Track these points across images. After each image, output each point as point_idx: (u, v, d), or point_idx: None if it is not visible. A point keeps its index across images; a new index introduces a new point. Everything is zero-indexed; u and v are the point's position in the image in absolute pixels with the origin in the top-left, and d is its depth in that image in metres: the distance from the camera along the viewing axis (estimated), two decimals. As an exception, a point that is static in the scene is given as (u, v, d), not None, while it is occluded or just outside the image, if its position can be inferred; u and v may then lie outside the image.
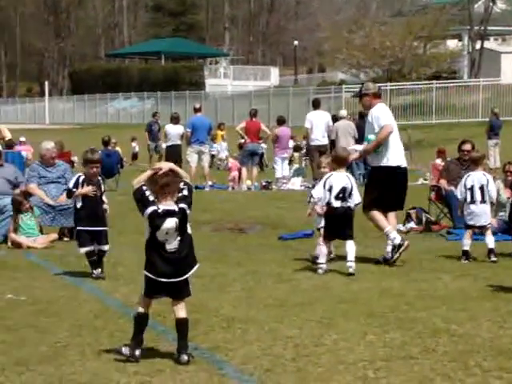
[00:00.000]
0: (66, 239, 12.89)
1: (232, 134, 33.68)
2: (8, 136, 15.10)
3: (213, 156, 32.07)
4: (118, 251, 11.91)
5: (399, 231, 13.80)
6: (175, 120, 24.37)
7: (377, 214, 11.06)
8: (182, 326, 6.56)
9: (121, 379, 6.01)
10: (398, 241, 10.84)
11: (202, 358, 6.57)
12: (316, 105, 23.49)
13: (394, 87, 47.06)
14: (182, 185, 6.47)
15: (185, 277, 6.52)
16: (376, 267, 10.64)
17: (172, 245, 6.44)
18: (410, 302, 8.53)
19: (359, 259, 10.58)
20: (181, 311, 6.56)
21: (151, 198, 6.38)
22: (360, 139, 23.25)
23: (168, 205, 6.39)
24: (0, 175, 13.19)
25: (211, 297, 8.80)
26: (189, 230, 6.57)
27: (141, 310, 6.57)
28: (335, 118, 23.97)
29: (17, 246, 12.18)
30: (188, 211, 6.46)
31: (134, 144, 38.51)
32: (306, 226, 13.85)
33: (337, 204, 10.21)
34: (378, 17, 58.04)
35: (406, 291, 9.13)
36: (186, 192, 6.48)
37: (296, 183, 23.51)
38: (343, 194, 10.20)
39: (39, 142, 14.71)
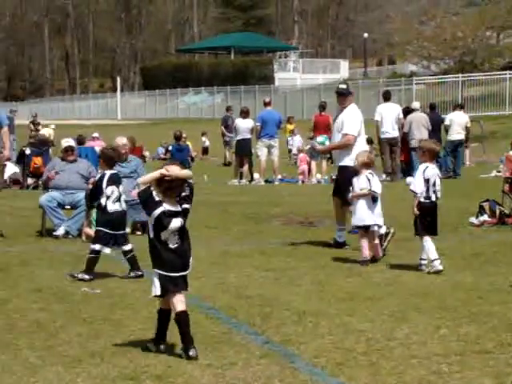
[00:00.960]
0: (138, 233, 13.02)
1: (301, 128, 33.65)
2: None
3: (290, 150, 32.10)
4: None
5: (471, 224, 13.66)
6: (244, 114, 24.41)
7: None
8: (182, 319, 6.53)
9: (194, 371, 6.06)
10: (383, 230, 10.93)
11: (273, 351, 6.59)
12: (386, 97, 23.34)
13: (465, 78, 46.40)
14: (186, 184, 6.60)
15: (190, 270, 6.60)
16: (448, 261, 10.51)
17: (174, 241, 6.52)
18: (483, 296, 8.42)
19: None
20: (183, 303, 6.56)
21: (157, 199, 6.48)
22: (433, 131, 23.08)
23: (173, 205, 6.50)
24: (74, 170, 13.38)
25: (282, 290, 8.81)
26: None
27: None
28: (407, 111, 23.73)
29: (91, 239, 12.34)
30: (190, 210, 6.62)
31: (204, 138, 38.71)
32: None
33: (433, 198, 10.02)
34: (450, 7, 57.20)
35: (480, 285, 9.01)
36: (187, 192, 6.62)
37: (367, 176, 23.33)
38: (435, 188, 10.05)
39: (111, 137, 14.90)
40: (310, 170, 23.87)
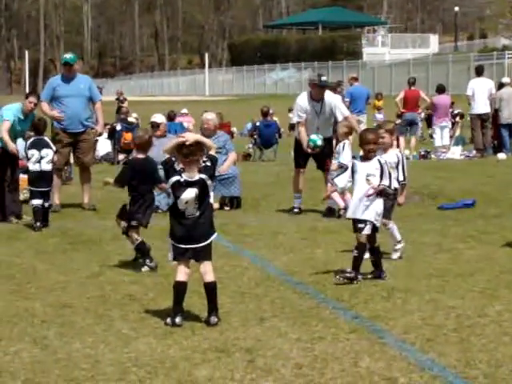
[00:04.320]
0: (226, 208, 13.13)
1: (390, 104, 33.30)
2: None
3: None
4: (278, 220, 12.07)
5: None
6: (334, 90, 24.23)
7: None
8: (209, 289, 6.69)
9: (283, 346, 6.11)
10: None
11: (362, 326, 6.59)
12: (479, 72, 22.88)
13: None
14: (206, 156, 6.64)
15: (202, 244, 6.62)
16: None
17: (191, 212, 6.58)
18: None
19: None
20: (208, 275, 6.68)
21: (177, 168, 6.59)
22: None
23: (190, 175, 6.56)
24: (164, 146, 13.53)
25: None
26: (211, 200, 6.77)
27: (178, 277, 6.69)
28: (501, 86, 23.23)
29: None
30: (209, 182, 6.61)
31: (291, 115, 38.56)
32: (466, 195, 13.60)
33: None
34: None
35: None
36: (208, 163, 6.64)
37: (456, 152, 22.99)
38: None
39: (200, 113, 15.02)
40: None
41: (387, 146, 9.15)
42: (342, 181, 9.09)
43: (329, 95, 12.75)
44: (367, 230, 8.08)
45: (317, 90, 12.56)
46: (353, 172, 8.22)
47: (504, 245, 9.84)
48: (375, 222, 8.10)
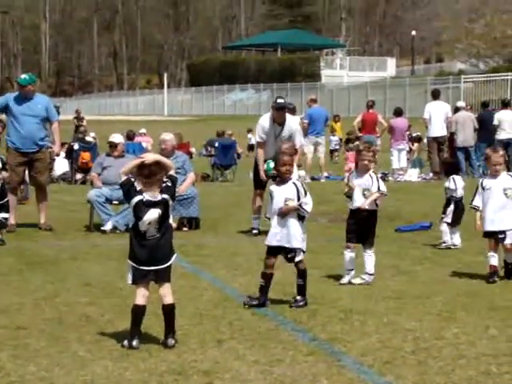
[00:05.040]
0: (185, 229, 13.09)
1: (347, 126, 33.52)
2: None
3: (332, 151, 31.87)
4: (236, 241, 12.04)
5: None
6: (291, 111, 24.34)
7: None
8: (168, 311, 6.66)
9: (241, 368, 6.07)
10: None
11: (320, 348, 6.58)
12: (435, 95, 23.15)
13: (515, 77, 45.84)
14: (166, 176, 6.62)
15: (164, 266, 6.59)
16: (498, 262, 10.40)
17: (151, 233, 6.56)
18: (533, 297, 8.32)
19: (479, 253, 10.38)
20: (167, 297, 6.65)
21: (138, 188, 6.57)
22: (481, 129, 22.81)
23: (152, 195, 6.54)
24: (122, 166, 13.43)
25: (329, 288, 8.80)
26: (170, 221, 6.72)
27: (137, 301, 6.63)
28: (456, 110, 23.52)
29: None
30: (170, 202, 6.59)
31: (249, 135, 38.69)
32: (423, 217, 13.70)
33: None
34: (500, 5, 56.62)
35: (529, 286, 8.91)
36: (169, 183, 6.63)
37: (413, 175, 23.20)
38: None
39: (159, 133, 14.98)
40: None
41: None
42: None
43: (291, 120, 12.86)
44: (300, 256, 7.96)
45: (275, 113, 12.61)
46: (271, 198, 8.03)
47: (460, 267, 9.90)
48: (303, 248, 7.98)
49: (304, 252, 8.00)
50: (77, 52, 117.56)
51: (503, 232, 9.09)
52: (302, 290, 7.98)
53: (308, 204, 8.02)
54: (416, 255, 10.84)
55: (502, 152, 9.27)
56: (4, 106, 13.00)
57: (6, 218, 11.68)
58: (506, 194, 9.09)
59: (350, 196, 9.19)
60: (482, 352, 6.44)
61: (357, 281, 9.04)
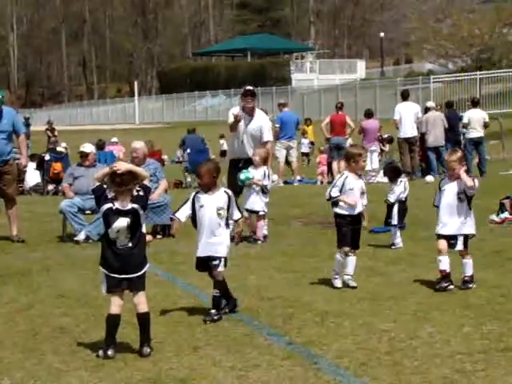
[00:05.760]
0: (158, 237, 13.05)
1: (320, 129, 33.60)
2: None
3: (306, 154, 31.86)
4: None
5: (492, 221, 13.58)
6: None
7: None
8: (143, 320, 6.67)
9: (217, 374, 6.06)
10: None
11: (296, 352, 6.58)
12: (405, 96, 23.28)
13: (483, 76, 46.21)
14: (138, 186, 6.60)
15: (136, 275, 6.58)
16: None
17: (123, 242, 6.54)
18: (506, 294, 8.38)
19: (452, 252, 10.43)
20: (142, 305, 6.66)
21: (109, 196, 6.56)
22: (450, 129, 22.98)
23: (123, 204, 6.53)
24: (93, 175, 13.38)
25: (304, 291, 8.81)
26: (143, 230, 6.70)
27: (112, 310, 6.62)
28: (426, 110, 23.65)
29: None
30: (141, 212, 6.57)
31: (222, 141, 38.71)
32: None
33: None
34: (466, 4, 57.05)
35: (502, 282, 8.97)
36: (141, 193, 6.60)
37: (385, 176, 23.27)
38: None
39: (131, 141, 14.93)
40: (329, 171, 23.84)
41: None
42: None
43: (260, 114, 12.97)
44: (222, 267, 7.78)
45: (244, 100, 12.84)
46: (200, 206, 7.80)
47: (434, 267, 9.93)
48: (227, 256, 7.85)
49: (226, 264, 7.85)
50: (46, 62, 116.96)
51: (455, 237, 8.81)
52: (216, 302, 7.71)
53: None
54: (390, 256, 10.88)
55: (458, 154, 8.88)
56: None
57: None
58: (459, 198, 8.79)
59: (336, 203, 9.13)
60: (457, 350, 6.47)
61: (353, 283, 9.00)
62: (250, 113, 12.76)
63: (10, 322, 7.75)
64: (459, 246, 8.85)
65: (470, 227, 8.88)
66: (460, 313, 7.67)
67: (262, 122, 12.90)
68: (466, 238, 8.88)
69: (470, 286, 8.76)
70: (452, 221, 8.83)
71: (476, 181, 8.79)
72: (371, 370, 6.08)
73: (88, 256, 11.10)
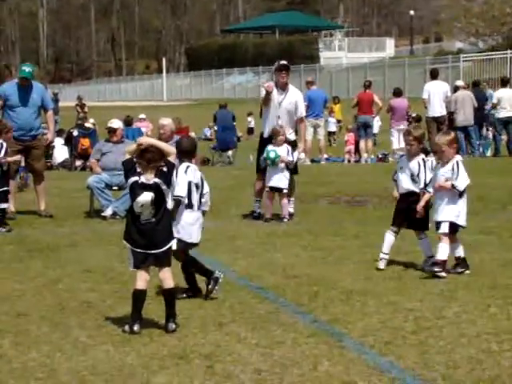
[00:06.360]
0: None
1: (347, 108, 33.47)
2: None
3: (332, 133, 31.66)
4: (237, 224, 12.04)
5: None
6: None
7: None
8: (169, 295, 6.68)
9: (242, 351, 6.08)
10: None
11: (321, 330, 6.59)
12: (434, 75, 23.07)
13: (514, 55, 45.67)
14: (163, 161, 6.58)
15: (162, 250, 6.58)
16: (498, 240, 10.40)
17: (146, 217, 6.55)
18: (534, 275, 8.32)
19: (479, 231, 10.40)
20: (167, 281, 6.66)
21: (138, 170, 6.58)
22: (477, 108, 22.79)
23: (148, 179, 6.54)
24: (121, 151, 13.42)
25: (330, 269, 8.80)
26: (168, 205, 6.70)
27: (138, 285, 6.63)
28: (456, 89, 23.45)
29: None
30: (163, 187, 6.56)
31: (249, 119, 38.71)
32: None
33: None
34: (498, -18, 56.37)
35: (530, 263, 8.91)
36: (165, 169, 6.60)
37: (414, 155, 23.15)
38: None
39: (158, 118, 14.94)
40: (356, 149, 23.76)
41: (414, 152, 8.77)
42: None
43: (294, 90, 12.80)
44: (180, 246, 7.36)
45: (278, 75, 12.64)
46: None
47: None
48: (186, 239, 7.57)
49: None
50: (75, 38, 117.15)
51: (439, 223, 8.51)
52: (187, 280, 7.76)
53: None
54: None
55: (449, 137, 8.51)
56: (5, 100, 13.02)
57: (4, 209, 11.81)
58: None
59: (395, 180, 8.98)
60: (483, 330, 6.45)
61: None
62: (283, 87, 12.61)
63: (38, 296, 7.82)
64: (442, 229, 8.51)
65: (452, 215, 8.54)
66: (487, 293, 7.63)
67: (296, 97, 12.75)
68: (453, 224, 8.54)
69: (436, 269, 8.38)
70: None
71: (458, 182, 8.43)
72: (396, 348, 6.07)
73: (115, 232, 11.14)
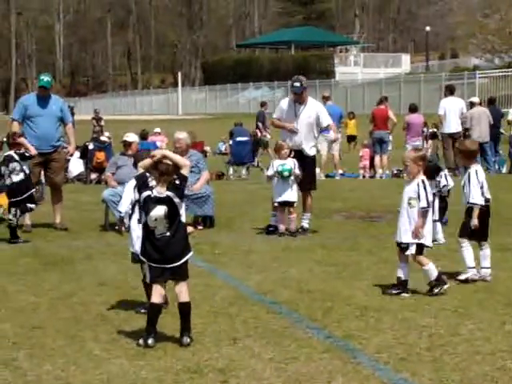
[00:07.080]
0: (200, 228, 13.09)
1: (362, 123, 33.46)
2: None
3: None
4: (251, 239, 12.05)
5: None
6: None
7: None
8: (184, 309, 6.67)
9: (256, 366, 6.08)
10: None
11: (335, 346, 6.58)
12: (451, 91, 23.05)
13: (530, 72, 45.64)
14: (176, 174, 6.59)
15: (178, 263, 6.58)
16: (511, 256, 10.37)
17: (161, 231, 6.55)
18: (549, 293, 8.29)
19: (495, 248, 10.35)
20: (183, 295, 6.66)
21: (151, 184, 6.60)
22: (493, 126, 22.74)
23: (160, 192, 6.56)
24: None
25: (344, 285, 8.79)
26: (182, 219, 6.68)
27: (154, 300, 6.64)
28: (471, 105, 23.42)
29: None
30: (176, 199, 6.56)
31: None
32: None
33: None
34: (514, -1, 56.36)
35: (545, 281, 8.87)
36: (177, 181, 6.60)
37: (429, 171, 23.10)
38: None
39: (173, 132, 14.98)
40: (371, 165, 23.73)
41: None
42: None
43: (313, 102, 12.82)
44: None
45: (294, 96, 12.64)
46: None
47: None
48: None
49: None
50: (91, 52, 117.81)
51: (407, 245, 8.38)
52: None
53: None
54: (432, 252, 10.77)
55: (416, 154, 8.34)
56: (25, 113, 13.08)
57: (32, 208, 12.22)
58: (409, 204, 8.37)
59: None
60: (498, 348, 6.42)
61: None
62: (302, 101, 12.56)
63: (53, 309, 7.84)
64: (409, 251, 8.40)
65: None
66: (502, 310, 7.60)
67: (316, 109, 12.67)
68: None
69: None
70: (403, 227, 8.43)
71: (422, 203, 8.30)
72: (411, 365, 6.06)
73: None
